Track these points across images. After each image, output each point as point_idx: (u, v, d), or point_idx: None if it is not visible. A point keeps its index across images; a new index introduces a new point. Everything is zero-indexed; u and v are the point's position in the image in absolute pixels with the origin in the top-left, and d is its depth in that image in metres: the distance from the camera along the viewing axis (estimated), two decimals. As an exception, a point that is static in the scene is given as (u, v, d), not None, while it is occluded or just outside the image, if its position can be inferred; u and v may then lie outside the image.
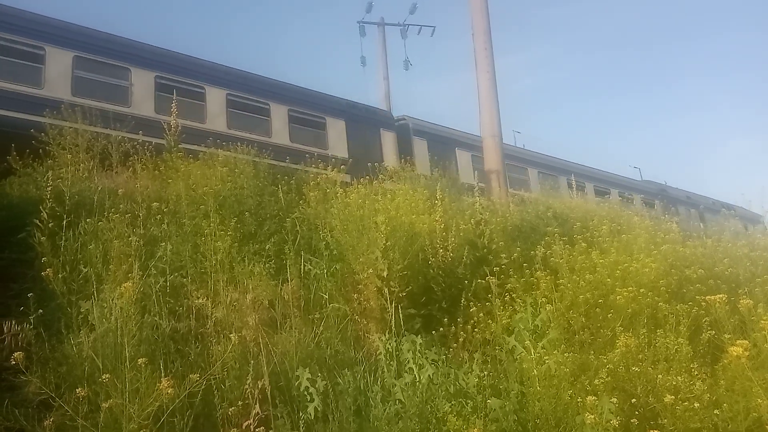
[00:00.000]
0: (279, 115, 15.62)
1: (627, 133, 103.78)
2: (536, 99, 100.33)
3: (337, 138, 16.57)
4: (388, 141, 17.87)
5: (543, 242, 7.20)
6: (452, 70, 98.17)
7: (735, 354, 3.50)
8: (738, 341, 3.60)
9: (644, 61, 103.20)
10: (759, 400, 3.39)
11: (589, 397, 3.82)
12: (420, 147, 18.31)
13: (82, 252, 5.95)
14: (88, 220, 6.51)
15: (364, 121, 17.43)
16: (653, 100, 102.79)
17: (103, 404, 3.11)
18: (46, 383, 3.57)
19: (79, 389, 3.08)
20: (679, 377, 4.18)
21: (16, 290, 6.13)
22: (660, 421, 3.90)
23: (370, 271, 6.47)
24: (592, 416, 3.62)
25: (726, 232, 9.56)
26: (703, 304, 5.59)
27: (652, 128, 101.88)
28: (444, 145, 18.82)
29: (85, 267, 5.75)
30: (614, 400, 3.79)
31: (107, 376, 3.21)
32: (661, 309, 5.41)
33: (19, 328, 5.08)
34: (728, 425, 4.00)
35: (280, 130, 15.45)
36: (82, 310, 4.89)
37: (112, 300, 4.64)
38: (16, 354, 3.06)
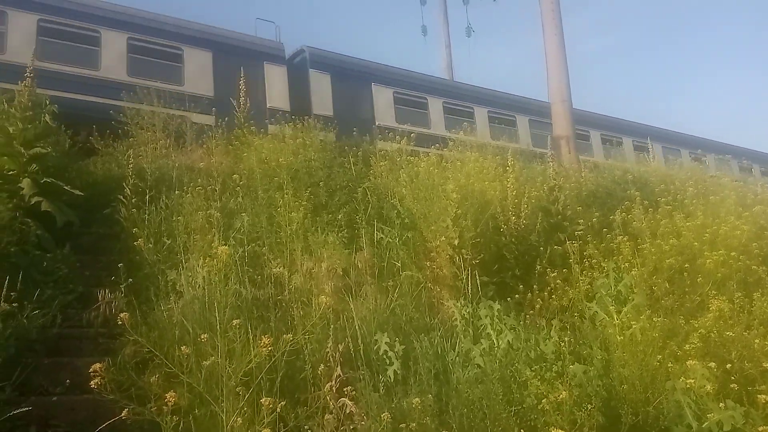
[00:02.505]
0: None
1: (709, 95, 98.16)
2: (606, 61, 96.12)
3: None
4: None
5: (622, 207, 6.93)
6: (517, 35, 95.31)
7: None
8: None
9: (725, 18, 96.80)
10: None
11: (690, 361, 3.65)
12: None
13: (165, 224, 6.20)
14: (169, 194, 6.77)
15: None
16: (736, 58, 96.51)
17: (204, 362, 3.24)
18: (142, 346, 3.75)
19: (184, 347, 3.21)
20: (779, 342, 3.96)
21: (105, 262, 6.49)
22: (757, 387, 3.69)
23: (442, 239, 6.42)
24: (690, 380, 3.46)
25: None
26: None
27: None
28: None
29: (168, 239, 6.00)
30: (712, 364, 3.61)
31: (205, 336, 3.34)
32: (756, 272, 5.11)
33: (112, 296, 5.37)
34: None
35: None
36: (169, 279, 5.10)
37: (198, 268, 4.83)
38: (121, 315, 3.22)
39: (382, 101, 16.60)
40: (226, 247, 3.72)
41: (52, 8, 13.09)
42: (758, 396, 3.36)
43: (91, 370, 2.92)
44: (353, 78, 16.45)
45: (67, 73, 12.77)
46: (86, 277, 6.22)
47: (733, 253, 5.42)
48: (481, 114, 17.79)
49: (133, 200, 6.70)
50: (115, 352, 4.48)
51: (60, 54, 12.83)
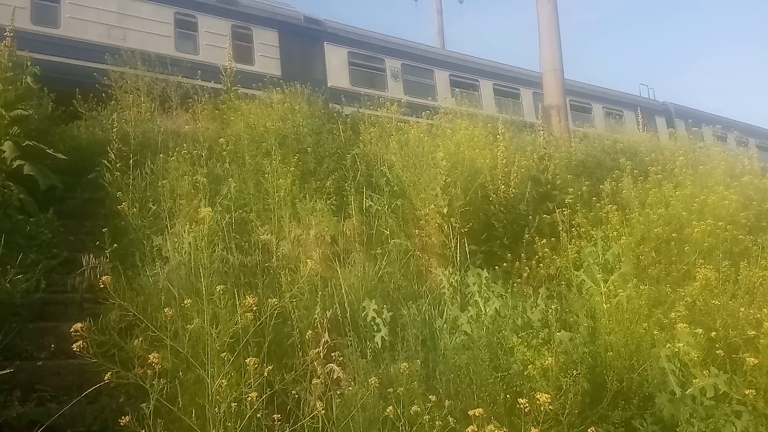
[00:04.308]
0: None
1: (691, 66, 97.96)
2: (598, 32, 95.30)
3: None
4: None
5: (611, 177, 6.92)
6: (510, 3, 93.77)
7: None
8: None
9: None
10: None
11: (680, 325, 3.68)
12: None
13: (150, 189, 6.11)
14: (154, 159, 6.66)
15: None
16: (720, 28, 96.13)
17: (188, 326, 3.22)
18: (127, 311, 3.71)
19: (167, 309, 3.18)
20: (763, 310, 3.99)
21: (89, 227, 6.40)
22: (741, 355, 3.73)
23: (431, 207, 6.39)
24: (678, 345, 3.50)
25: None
26: (787, 237, 5.31)
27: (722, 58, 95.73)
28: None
29: (153, 204, 5.92)
30: (699, 330, 3.64)
31: (189, 300, 3.31)
32: (742, 242, 5.15)
33: (96, 262, 5.30)
34: (817, 360, 3.81)
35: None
36: (155, 244, 5.04)
37: (184, 234, 4.77)
38: (104, 278, 3.17)
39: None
40: (210, 209, 3.64)
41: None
42: (746, 359, 3.39)
43: (72, 329, 2.88)
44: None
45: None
46: (70, 242, 6.15)
47: (720, 223, 5.45)
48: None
49: (118, 165, 6.58)
50: (100, 317, 4.44)
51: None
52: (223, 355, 3.27)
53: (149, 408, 2.93)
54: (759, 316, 3.92)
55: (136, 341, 3.05)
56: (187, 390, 3.39)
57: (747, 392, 3.36)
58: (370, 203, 6.70)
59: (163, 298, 4.31)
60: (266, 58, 13.95)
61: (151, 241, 5.15)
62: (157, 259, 4.86)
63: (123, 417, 2.89)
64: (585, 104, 19.01)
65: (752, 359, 3.44)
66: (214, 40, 13.23)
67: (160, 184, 6.02)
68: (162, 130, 7.98)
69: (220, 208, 5.79)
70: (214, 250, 4.34)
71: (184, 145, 7.05)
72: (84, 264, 5.37)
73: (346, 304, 4.72)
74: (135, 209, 5.68)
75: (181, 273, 4.48)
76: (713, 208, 5.71)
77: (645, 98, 21.62)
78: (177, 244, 4.86)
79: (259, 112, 8.17)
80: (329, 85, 14.23)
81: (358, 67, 15.66)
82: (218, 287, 3.28)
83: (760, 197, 6.71)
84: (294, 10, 15.47)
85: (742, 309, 4.22)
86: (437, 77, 16.71)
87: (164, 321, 3.32)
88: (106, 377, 3.00)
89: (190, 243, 4.67)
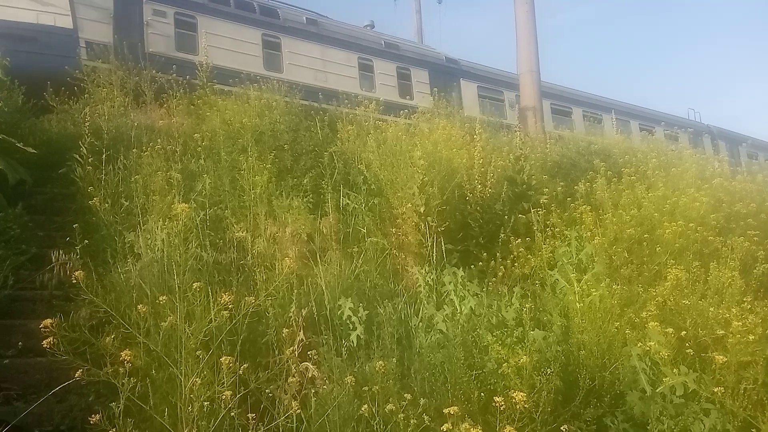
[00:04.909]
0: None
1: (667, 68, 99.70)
2: (574, 35, 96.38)
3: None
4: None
5: (585, 178, 7.00)
6: (488, 5, 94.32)
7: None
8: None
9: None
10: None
11: (651, 324, 3.75)
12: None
13: (123, 185, 6.01)
14: (127, 154, 6.55)
15: None
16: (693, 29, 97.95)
17: (162, 323, 3.16)
18: (98, 308, 3.64)
19: (140, 306, 3.12)
20: (732, 310, 4.07)
21: (59, 223, 6.27)
22: (710, 354, 3.80)
23: (408, 206, 6.40)
24: (649, 344, 3.56)
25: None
26: (754, 238, 5.43)
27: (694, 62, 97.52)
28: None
29: (126, 200, 5.82)
30: (670, 330, 3.71)
31: (164, 297, 3.25)
32: (712, 243, 5.25)
33: (66, 258, 5.19)
34: (782, 359, 3.90)
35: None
36: (127, 241, 4.95)
37: (157, 230, 4.69)
38: (77, 273, 3.10)
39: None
40: (185, 205, 3.59)
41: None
42: (715, 357, 3.47)
43: (41, 326, 2.81)
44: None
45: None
46: (40, 237, 6.01)
47: (691, 224, 5.55)
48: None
49: (90, 159, 6.45)
50: (69, 314, 4.35)
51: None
52: (197, 353, 3.23)
53: (119, 407, 2.87)
54: (728, 315, 4.00)
55: (108, 338, 2.99)
56: (159, 389, 3.34)
57: (715, 390, 3.43)
58: (347, 201, 6.69)
59: (135, 295, 4.23)
60: (421, 93, 15.80)
61: (123, 237, 5.06)
62: (129, 256, 4.77)
63: (92, 416, 2.84)
64: (649, 126, 19.90)
65: (721, 357, 3.51)
66: (385, 80, 15.82)
67: (133, 179, 5.91)
68: (136, 124, 7.85)
69: (195, 205, 5.72)
70: (188, 247, 4.28)
71: (159, 140, 6.94)
72: (53, 260, 5.25)
73: (322, 302, 4.70)
74: (107, 205, 5.58)
75: (154, 270, 4.41)
76: (684, 210, 5.81)
77: (694, 121, 23.33)
78: (150, 241, 4.78)
79: (236, 108, 8.08)
80: (464, 115, 15.44)
81: (485, 98, 17.76)
82: (194, 284, 3.23)
83: (730, 199, 6.86)
84: (438, 52, 18.07)
85: (711, 309, 4.30)
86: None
87: (137, 318, 3.27)
88: (75, 375, 2.94)
89: (163, 240, 4.61)
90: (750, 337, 3.72)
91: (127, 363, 2.92)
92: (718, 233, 5.68)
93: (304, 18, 15.54)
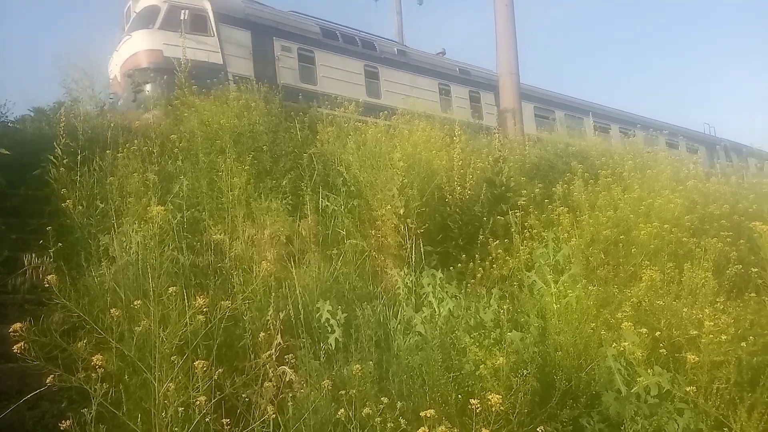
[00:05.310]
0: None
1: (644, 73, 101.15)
2: (556, 36, 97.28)
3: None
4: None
5: (563, 180, 7.07)
6: (468, 6, 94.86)
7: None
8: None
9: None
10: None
11: (625, 324, 3.79)
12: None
13: (98, 187, 5.92)
14: (104, 155, 6.45)
15: None
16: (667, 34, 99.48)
17: (136, 327, 3.12)
18: (71, 312, 3.58)
19: (114, 310, 3.07)
20: (705, 310, 4.14)
21: (33, 226, 6.15)
22: (684, 354, 3.86)
23: (388, 207, 6.40)
24: (623, 344, 3.60)
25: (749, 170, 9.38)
26: (727, 239, 5.52)
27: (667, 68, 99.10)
28: None
29: (102, 202, 5.73)
30: (644, 330, 3.75)
31: (138, 302, 3.21)
32: (686, 244, 5.33)
33: (39, 261, 5.10)
34: (753, 358, 3.98)
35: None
36: (101, 244, 4.88)
37: (132, 233, 4.63)
38: (49, 277, 3.04)
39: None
40: (162, 207, 3.55)
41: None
42: (685, 356, 3.52)
43: (11, 330, 2.75)
44: None
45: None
46: (12, 240, 5.90)
47: (666, 226, 5.63)
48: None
49: (64, 161, 6.34)
50: (42, 318, 4.27)
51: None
52: (172, 358, 3.19)
53: (91, 413, 2.83)
54: (701, 316, 4.06)
55: (80, 343, 2.95)
56: (133, 394, 3.29)
57: (688, 389, 3.48)
58: (327, 203, 6.66)
59: (109, 299, 4.17)
60: (489, 114, 17.25)
61: (98, 240, 4.98)
62: (103, 259, 4.70)
63: (64, 421, 2.79)
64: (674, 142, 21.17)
65: (693, 357, 3.56)
66: (460, 102, 17.27)
67: (108, 181, 5.83)
68: (112, 125, 7.73)
69: (172, 207, 5.66)
70: (164, 249, 4.23)
71: (135, 141, 6.84)
72: (26, 263, 5.16)
73: (300, 306, 4.67)
74: (81, 207, 5.49)
75: (129, 273, 4.36)
76: (659, 212, 5.89)
77: (710, 135, 24.98)
78: (125, 244, 4.72)
79: (214, 109, 8.01)
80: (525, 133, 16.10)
81: (540, 117, 19.05)
82: (170, 288, 3.19)
83: (704, 201, 6.98)
84: None
85: (685, 309, 4.36)
86: (585, 123, 19.99)
87: (110, 323, 3.23)
88: (47, 381, 2.89)
89: (138, 242, 4.55)
90: (722, 337, 3.79)
91: (100, 368, 2.88)
92: (692, 234, 5.77)
93: (396, 49, 17.55)
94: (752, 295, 4.58)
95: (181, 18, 12.65)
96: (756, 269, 4.28)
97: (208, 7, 13.39)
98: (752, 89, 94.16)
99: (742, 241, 5.18)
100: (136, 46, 12.87)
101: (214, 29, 13.31)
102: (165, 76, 9.71)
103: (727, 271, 4.99)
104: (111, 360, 3.11)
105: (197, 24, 13.05)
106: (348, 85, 14.56)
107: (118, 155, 6.37)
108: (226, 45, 13.33)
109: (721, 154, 24.10)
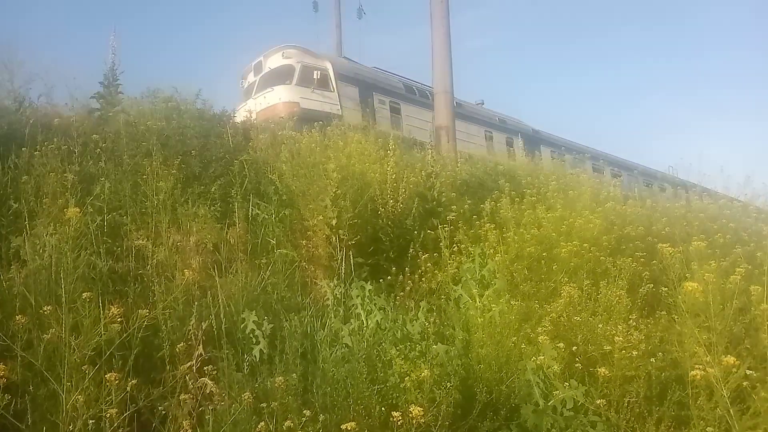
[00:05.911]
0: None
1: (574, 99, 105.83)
2: (489, 59, 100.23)
3: None
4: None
5: (491, 197, 7.26)
6: (407, 24, 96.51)
7: (690, 289, 3.62)
8: (688, 282, 3.71)
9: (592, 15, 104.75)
10: (696, 348, 3.55)
11: (542, 337, 3.91)
12: None
13: (12, 186, 5.59)
14: (20, 152, 6.11)
15: None
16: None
17: (44, 335, 2.94)
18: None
19: (19, 316, 2.89)
20: (618, 326, 4.33)
21: (-64, 225, 5.72)
22: (598, 369, 4.03)
23: (320, 218, 6.37)
24: (540, 358, 3.71)
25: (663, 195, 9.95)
26: (641, 260, 5.82)
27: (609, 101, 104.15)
28: None
29: (15, 202, 5.41)
30: (561, 344, 3.89)
31: (48, 308, 3.03)
32: (603, 263, 5.58)
33: (-60, 263, 4.74)
34: (661, 374, 4.20)
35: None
36: (12, 246, 4.60)
37: (46, 236, 4.39)
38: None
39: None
40: (77, 209, 3.38)
41: None
42: (599, 370, 3.67)
43: None
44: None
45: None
46: None
47: (585, 245, 5.88)
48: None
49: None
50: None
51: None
52: (83, 368, 3.04)
53: (-9, 427, 2.65)
54: (614, 332, 4.25)
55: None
56: (39, 406, 3.11)
57: (598, 402, 3.63)
58: (257, 211, 6.56)
59: (17, 304, 3.93)
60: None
61: (9, 242, 4.69)
62: (13, 263, 4.43)
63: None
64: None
65: (604, 371, 3.72)
66: (500, 147, 19.98)
67: (23, 179, 5.51)
68: (31, 122, 7.32)
69: (91, 210, 5.40)
70: (80, 254, 4.03)
71: (55, 139, 6.50)
72: (-75, 265, 4.78)
73: (223, 316, 4.55)
74: (-8, 206, 5.16)
75: (41, 278, 4.11)
76: (580, 231, 6.15)
77: (631, 161, 26.16)
78: (38, 247, 4.45)
79: (141, 110, 7.74)
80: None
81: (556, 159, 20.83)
82: (84, 294, 3.03)
83: (621, 222, 7.33)
84: (527, 125, 23.15)
85: (600, 325, 4.55)
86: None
87: (16, 329, 3.04)
88: (-60, 393, 2.68)
89: (53, 245, 4.31)
90: (634, 353, 3.97)
91: (2, 378, 2.70)
92: (610, 254, 6.03)
93: (455, 102, 18.69)
94: (663, 313, 4.82)
95: (314, 77, 15.64)
96: (666, 288, 4.52)
97: (329, 67, 16.49)
98: (671, 116, 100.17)
99: (654, 261, 5.46)
100: (276, 98, 15.43)
101: (335, 86, 16.34)
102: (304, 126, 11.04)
103: (640, 290, 5.25)
104: (15, 369, 2.92)
105: (322, 81, 16.00)
106: (423, 132, 16.28)
107: (35, 153, 6.03)
108: (342, 98, 16.32)
109: (639, 179, 25.53)
